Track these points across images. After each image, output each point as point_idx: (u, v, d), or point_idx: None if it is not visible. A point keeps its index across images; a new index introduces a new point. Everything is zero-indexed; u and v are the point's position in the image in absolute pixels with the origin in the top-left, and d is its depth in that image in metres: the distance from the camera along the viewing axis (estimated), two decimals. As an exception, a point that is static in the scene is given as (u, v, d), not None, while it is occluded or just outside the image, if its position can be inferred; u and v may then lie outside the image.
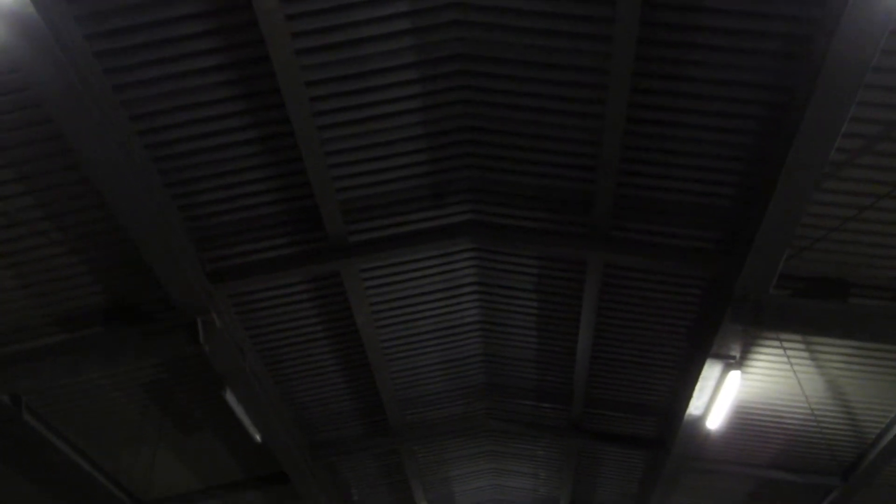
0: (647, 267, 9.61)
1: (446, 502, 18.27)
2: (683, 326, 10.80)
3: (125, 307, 9.56)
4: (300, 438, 13.43)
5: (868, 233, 8.48)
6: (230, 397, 10.55)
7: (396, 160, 8.65)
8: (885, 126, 7.34)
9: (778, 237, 7.93)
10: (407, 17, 7.16)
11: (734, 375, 10.06)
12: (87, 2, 6.44)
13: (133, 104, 7.39)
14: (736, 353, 9.85)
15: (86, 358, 9.33)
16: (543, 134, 8.34)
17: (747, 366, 10.99)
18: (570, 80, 7.66)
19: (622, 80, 7.32)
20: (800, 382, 11.00)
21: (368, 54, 7.41)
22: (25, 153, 7.50)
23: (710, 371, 10.22)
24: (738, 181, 8.34)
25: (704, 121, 7.77)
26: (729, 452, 13.56)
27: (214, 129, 7.82)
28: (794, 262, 8.95)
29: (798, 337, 10.19)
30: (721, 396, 10.50)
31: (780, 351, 10.45)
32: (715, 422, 11.14)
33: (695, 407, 11.20)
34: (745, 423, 12.53)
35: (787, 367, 10.75)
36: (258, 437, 11.66)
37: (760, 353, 10.68)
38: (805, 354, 10.54)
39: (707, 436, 12.80)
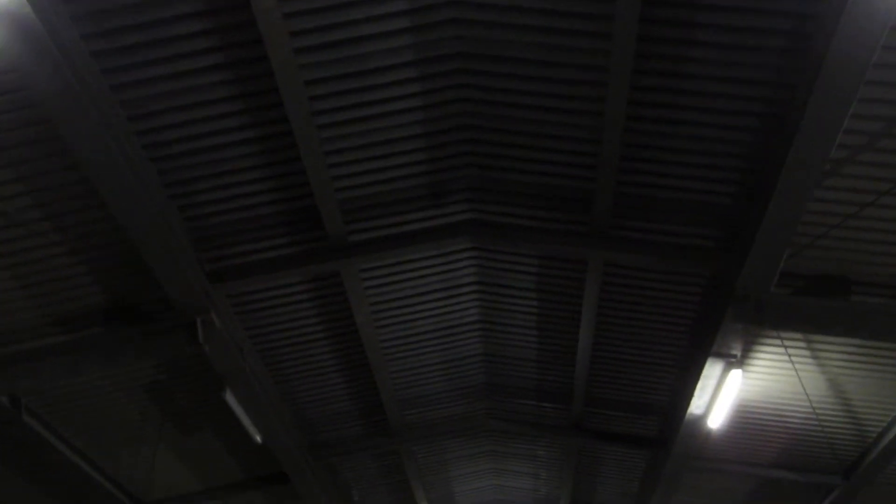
0: (647, 265, 9.60)
1: (447, 502, 18.25)
2: (684, 325, 10.78)
3: (124, 307, 9.54)
4: (300, 439, 13.41)
5: (869, 230, 8.45)
6: (230, 397, 10.53)
7: (396, 159, 8.63)
8: (886, 122, 7.32)
9: (779, 235, 7.91)
10: (405, 15, 7.13)
11: (735, 374, 10.03)
12: (83, 1, 6.41)
13: (131, 104, 7.36)
14: (737, 351, 9.83)
15: (85, 358, 9.32)
16: (543, 132, 8.32)
17: (748, 364, 10.96)
18: (570, 78, 7.64)
19: (622, 77, 7.29)
20: (801, 381, 10.97)
21: (367, 53, 7.38)
22: (23, 153, 7.48)
23: (711, 370, 10.19)
24: (739, 179, 8.31)
25: (705, 118, 7.75)
26: (730, 451, 13.53)
27: (213, 128, 7.80)
28: (796, 260, 8.92)
29: (799, 335, 10.17)
30: (722, 395, 10.47)
31: (782, 349, 10.43)
32: (716, 421, 11.12)
33: (696, 406, 11.17)
34: (747, 422, 12.50)
35: (789, 365, 10.72)
36: (258, 438, 11.64)
37: (762, 351, 10.66)
38: (806, 353, 10.52)
39: (708, 435, 12.77)
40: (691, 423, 11.68)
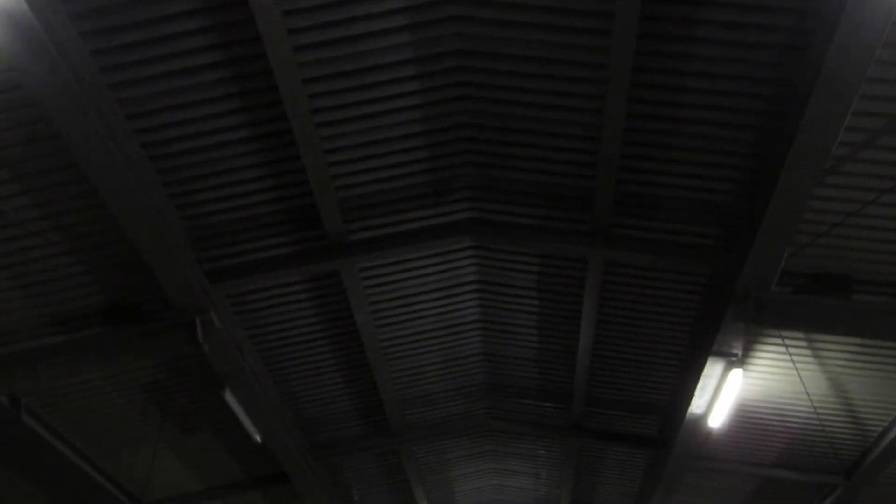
0: (647, 264, 9.57)
1: (447, 502, 18.23)
2: (685, 324, 10.76)
3: (124, 307, 9.52)
4: (300, 439, 13.38)
5: (871, 228, 8.43)
6: (230, 397, 10.50)
7: (395, 157, 8.61)
8: (887, 119, 7.29)
9: (780, 233, 7.88)
10: (405, 12, 7.11)
11: (736, 373, 10.00)
12: (82, -1, 6.39)
13: (129, 103, 7.34)
14: (738, 350, 9.80)
15: (85, 358, 9.29)
16: (543, 130, 8.29)
17: (749, 364, 10.94)
18: (570, 75, 7.61)
19: (622, 75, 7.26)
20: (802, 380, 10.94)
21: (366, 50, 7.36)
22: (21, 152, 7.45)
23: (712, 369, 10.17)
24: (740, 176, 8.29)
25: (705, 116, 7.72)
26: (731, 451, 13.51)
27: (212, 127, 7.77)
28: (797, 259, 8.90)
29: (800, 334, 10.14)
30: (723, 395, 10.45)
31: (783, 348, 10.40)
32: (717, 420, 11.09)
33: (696, 405, 11.15)
34: (748, 421, 12.48)
35: (790, 364, 10.70)
36: (258, 438, 11.61)
37: (762, 350, 10.63)
38: (807, 352, 10.49)
39: (709, 434, 12.75)
40: (692, 423, 11.66)
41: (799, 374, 10.82)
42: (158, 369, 10.89)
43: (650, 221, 9.03)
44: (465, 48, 7.59)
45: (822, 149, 6.94)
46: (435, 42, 7.47)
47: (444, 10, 7.19)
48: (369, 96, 7.83)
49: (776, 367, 10.97)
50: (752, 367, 11.05)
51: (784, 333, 10.05)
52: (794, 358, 10.54)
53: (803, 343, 10.36)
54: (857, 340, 10.09)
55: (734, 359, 9.91)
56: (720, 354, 9.87)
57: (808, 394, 11.22)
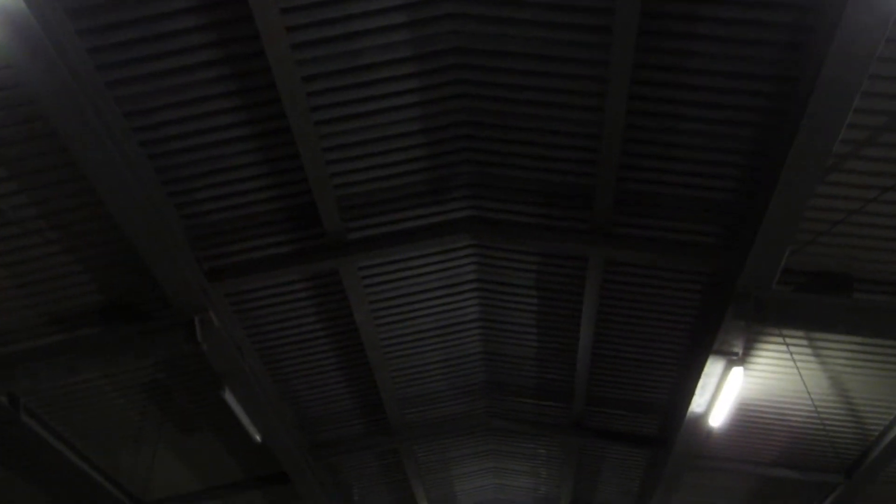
0: (648, 262, 9.54)
1: (447, 501, 18.21)
2: (685, 323, 10.73)
3: (122, 306, 9.49)
4: (300, 438, 13.36)
5: (872, 226, 8.39)
6: (229, 397, 10.48)
7: (394, 156, 8.58)
8: (889, 117, 7.25)
9: (781, 231, 7.85)
10: (403, 10, 7.07)
11: (737, 372, 9.97)
12: (79, -4, 6.36)
13: (127, 100, 7.31)
14: (738, 349, 9.77)
15: (83, 358, 9.27)
16: (543, 128, 8.26)
17: (750, 362, 10.91)
18: (570, 72, 7.58)
19: (622, 72, 7.23)
20: (803, 379, 10.91)
21: (364, 48, 7.33)
22: (19, 151, 7.42)
23: (713, 368, 10.14)
24: (741, 174, 8.25)
25: (706, 113, 7.69)
26: (731, 450, 13.48)
27: (210, 125, 7.74)
28: (797, 257, 8.87)
29: (801, 333, 10.11)
30: (723, 393, 10.41)
31: (783, 347, 10.37)
32: (717, 419, 11.06)
33: (697, 404, 11.12)
34: (748, 420, 12.45)
35: (790, 363, 10.67)
36: (258, 437, 11.59)
37: (763, 349, 10.61)
38: (808, 350, 10.46)
39: (709, 433, 12.72)
40: (692, 422, 11.63)
41: (800, 373, 10.79)
42: (157, 369, 10.87)
43: (650, 219, 9.00)
44: (464, 46, 7.56)
45: (823, 146, 6.91)
46: (433, 40, 7.44)
47: (441, 8, 7.16)
48: (368, 94, 7.80)
49: (777, 365, 10.94)
50: (752, 366, 11.02)
51: (785, 332, 10.02)
52: (795, 357, 10.51)
53: (804, 342, 10.33)
54: (858, 339, 10.06)
55: (735, 357, 9.87)
56: (721, 353, 9.84)
57: (808, 392, 11.19)
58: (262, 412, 11.18)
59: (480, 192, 9.26)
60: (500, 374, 13.04)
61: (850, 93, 6.40)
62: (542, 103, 7.98)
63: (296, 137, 7.80)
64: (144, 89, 7.22)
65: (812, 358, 10.62)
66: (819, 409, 11.59)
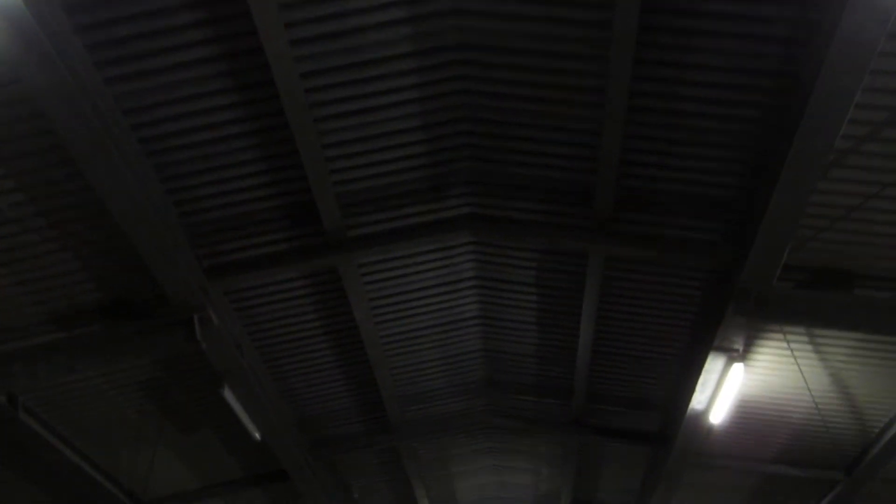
0: (649, 259, 9.52)
1: (447, 499, 18.19)
2: (686, 319, 10.70)
3: (121, 304, 9.46)
4: (299, 436, 13.33)
5: (874, 222, 8.37)
6: (228, 395, 10.45)
7: (394, 152, 8.54)
8: (891, 112, 7.23)
9: (782, 228, 7.82)
10: (402, 5, 7.04)
11: (737, 368, 9.96)
12: (76, -8, 6.33)
13: (125, 97, 7.27)
14: (739, 345, 9.75)
15: (82, 356, 9.25)
16: (543, 124, 8.23)
17: (750, 359, 10.89)
18: (570, 68, 7.55)
19: (623, 68, 7.19)
20: (803, 375, 10.90)
21: (364, 44, 7.29)
22: (16, 148, 7.39)
23: (713, 364, 10.12)
24: (742, 171, 8.23)
25: (707, 109, 7.66)
26: (732, 447, 13.46)
27: (209, 122, 7.71)
28: (799, 253, 8.84)
29: (802, 329, 10.09)
30: (724, 390, 10.40)
31: (784, 343, 10.36)
32: (718, 416, 11.05)
33: (697, 401, 11.10)
34: (749, 417, 12.43)
35: (791, 359, 10.65)
36: (257, 435, 11.57)
37: (764, 345, 10.58)
38: (809, 347, 10.44)
39: (710, 430, 12.70)
40: (693, 419, 11.61)
41: (800, 370, 10.77)
42: (157, 367, 10.84)
43: (651, 216, 8.97)
44: (464, 41, 7.52)
45: (824, 143, 6.88)
46: (433, 36, 7.41)
47: (441, 3, 7.13)
48: (367, 90, 7.76)
49: (777, 362, 10.92)
50: (753, 363, 11.00)
51: (785, 328, 10.01)
52: (796, 353, 10.50)
53: (805, 338, 10.31)
54: (859, 335, 10.05)
55: (735, 354, 9.86)
56: (721, 350, 9.82)
57: (809, 389, 11.17)
58: (261, 410, 11.15)
59: (480, 189, 9.23)
60: (500, 372, 13.02)
61: (851, 89, 6.37)
62: (542, 99, 7.95)
63: (295, 134, 7.76)
64: (143, 86, 7.19)
65: (813, 354, 10.60)
66: (820, 406, 11.58)
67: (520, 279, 10.71)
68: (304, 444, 13.54)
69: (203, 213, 8.72)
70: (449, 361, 12.59)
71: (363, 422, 13.63)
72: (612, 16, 6.88)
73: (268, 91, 7.47)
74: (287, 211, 8.92)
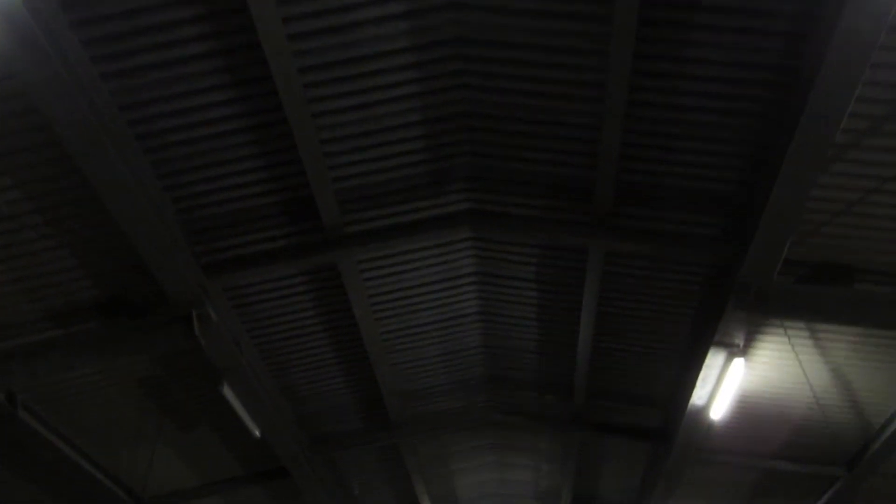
0: (649, 254, 9.49)
1: (448, 496, 18.18)
2: (686, 315, 10.68)
3: (119, 301, 9.43)
4: (299, 433, 13.31)
5: (874, 217, 8.34)
6: (228, 392, 10.43)
7: (393, 148, 8.51)
8: (891, 106, 7.19)
9: (782, 222, 7.80)
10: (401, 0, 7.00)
11: (738, 363, 9.94)
12: (72, -13, 6.29)
13: (122, 93, 7.23)
14: (739, 340, 9.73)
15: (80, 353, 9.23)
16: (543, 119, 8.19)
17: (751, 354, 10.86)
18: (570, 63, 7.51)
19: (623, 62, 7.16)
20: (804, 370, 10.87)
21: (363, 39, 7.25)
22: (11, 145, 7.35)
23: (714, 359, 10.10)
24: (742, 165, 8.19)
25: (707, 103, 7.62)
26: (732, 443, 13.44)
27: (206, 118, 7.67)
28: (799, 248, 8.81)
29: (802, 324, 10.07)
30: (725, 386, 10.38)
31: (785, 338, 10.33)
32: (718, 412, 11.02)
33: (698, 397, 11.08)
34: (749, 412, 12.41)
35: (792, 354, 10.63)
36: (257, 433, 11.54)
37: (764, 340, 10.56)
38: (809, 342, 10.42)
39: (710, 426, 12.67)
40: (693, 415, 11.59)
41: (801, 365, 10.75)
42: (156, 364, 10.81)
43: (651, 211, 8.94)
44: (464, 36, 7.48)
45: (824, 137, 6.85)
46: (432, 30, 7.37)
47: (441, -2, 7.10)
48: (366, 85, 7.72)
49: (778, 357, 10.90)
50: (753, 358, 10.97)
51: (786, 323, 9.98)
52: (797, 348, 10.47)
53: (805, 333, 10.29)
54: (860, 330, 10.02)
55: (736, 349, 9.84)
56: (722, 345, 9.80)
57: (810, 384, 11.15)
58: (261, 407, 11.13)
59: (480, 185, 9.19)
60: (500, 368, 12.99)
61: (851, 82, 6.34)
62: (542, 94, 7.91)
63: (293, 130, 7.73)
64: (139, 82, 7.15)
65: (813, 349, 10.58)
66: (820, 401, 11.55)
67: (520, 275, 10.68)
68: (303, 441, 13.52)
69: (201, 210, 8.69)
70: (449, 358, 12.56)
71: (363, 418, 13.61)
72: (611, 10, 6.84)
73: (266, 86, 7.43)
74: (286, 207, 8.89)
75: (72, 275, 8.89)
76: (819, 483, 14.00)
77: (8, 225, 8.08)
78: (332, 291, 10.35)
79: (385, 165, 8.72)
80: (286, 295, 10.30)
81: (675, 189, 8.67)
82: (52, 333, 9.48)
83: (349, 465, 15.38)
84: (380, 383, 12.31)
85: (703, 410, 11.40)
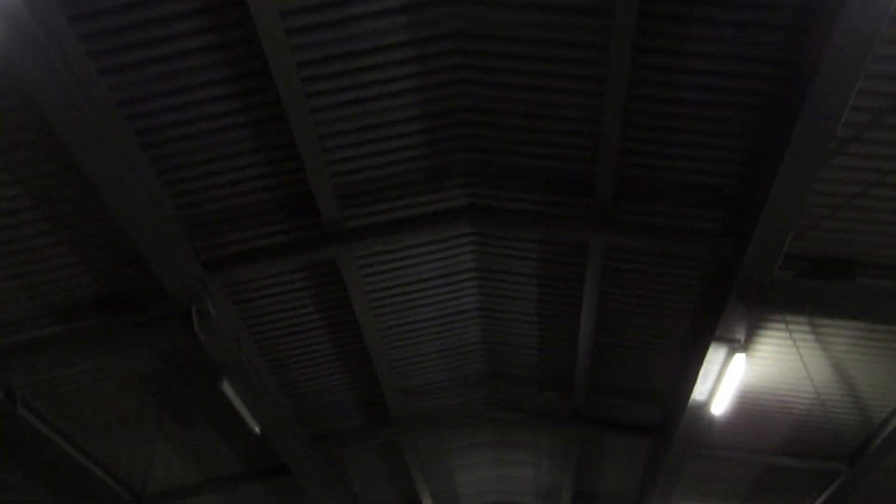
0: (649, 249, 9.47)
1: (448, 492, 18.17)
2: (687, 310, 10.65)
3: (119, 297, 9.41)
4: (299, 430, 13.30)
5: (875, 210, 8.31)
6: (228, 388, 10.40)
7: (392, 143, 8.48)
8: (893, 99, 7.16)
9: (783, 217, 7.78)
10: (400, -6, 6.98)
11: (739, 359, 9.91)
12: (69, -19, 6.26)
13: (120, 88, 7.20)
14: (740, 335, 9.70)
15: (80, 350, 9.22)
16: (542, 113, 8.17)
17: (752, 349, 10.85)
18: (570, 57, 7.48)
19: (623, 56, 7.13)
20: (805, 365, 10.85)
21: (361, 33, 7.22)
22: (10, 141, 7.33)
23: (715, 355, 10.07)
24: (742, 159, 8.17)
25: (707, 97, 7.59)
26: (734, 438, 13.43)
27: (205, 113, 7.64)
28: (800, 242, 8.79)
29: (804, 318, 10.05)
30: (725, 381, 10.35)
31: (786, 333, 10.31)
32: (719, 407, 11.00)
33: (699, 392, 11.05)
34: (750, 408, 12.39)
35: (793, 349, 10.61)
36: (257, 429, 11.53)
37: (765, 335, 10.54)
38: (811, 337, 10.40)
39: (711, 421, 12.66)
40: (694, 410, 11.57)
41: (802, 359, 10.73)
42: (155, 360, 10.80)
43: (651, 206, 8.92)
44: (462, 30, 7.46)
45: (825, 130, 6.83)
46: (431, 24, 7.34)
47: (439, -9, 7.07)
48: (365, 80, 7.70)
49: (779, 352, 10.87)
50: (755, 353, 10.95)
51: (787, 318, 9.96)
52: (798, 343, 10.45)
53: (806, 328, 10.26)
54: (861, 325, 10.00)
55: (737, 344, 9.81)
56: (723, 340, 9.77)
57: (811, 379, 11.13)
58: (261, 404, 11.11)
59: (479, 180, 9.17)
60: (500, 364, 12.97)
61: (852, 76, 6.31)
62: (541, 88, 7.88)
63: (292, 124, 7.70)
64: (138, 77, 7.12)
65: (815, 344, 10.55)
66: (822, 396, 11.54)
67: (519, 270, 10.66)
68: (303, 437, 13.51)
69: (200, 206, 8.66)
70: (449, 354, 12.54)
71: (363, 415, 13.59)
72: (611, 4, 6.81)
73: (264, 81, 7.41)
74: (285, 203, 8.87)
75: (71, 271, 8.88)
76: (820, 478, 13.99)
77: (7, 221, 8.06)
78: (331, 287, 10.33)
79: (384, 160, 8.69)
80: (285, 291, 10.28)
81: (675, 183, 8.65)
82: (51, 329, 9.47)
83: (349, 462, 15.37)
84: (380, 379, 12.30)
85: (703, 406, 11.38)
